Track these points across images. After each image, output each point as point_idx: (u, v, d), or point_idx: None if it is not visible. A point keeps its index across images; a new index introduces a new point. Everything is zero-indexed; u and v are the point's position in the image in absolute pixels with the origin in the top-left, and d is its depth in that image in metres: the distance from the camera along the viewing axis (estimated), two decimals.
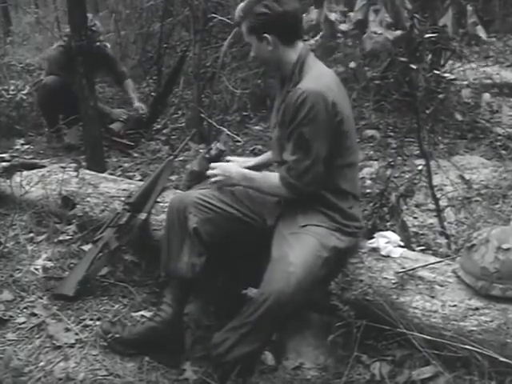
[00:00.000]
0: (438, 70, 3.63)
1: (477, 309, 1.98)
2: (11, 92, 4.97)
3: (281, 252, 2.04)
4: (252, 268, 2.24)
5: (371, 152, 4.02)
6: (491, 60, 6.57)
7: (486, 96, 3.83)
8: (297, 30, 2.17)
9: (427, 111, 3.02)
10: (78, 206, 2.97)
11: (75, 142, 4.54)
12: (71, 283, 2.48)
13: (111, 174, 3.48)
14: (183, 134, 4.45)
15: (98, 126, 3.76)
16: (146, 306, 2.47)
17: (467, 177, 3.62)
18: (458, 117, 3.94)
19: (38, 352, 2.19)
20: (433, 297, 2.06)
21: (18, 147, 3.75)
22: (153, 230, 2.68)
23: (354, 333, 2.09)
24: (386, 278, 2.16)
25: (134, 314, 2.41)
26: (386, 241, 2.27)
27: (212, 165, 2.32)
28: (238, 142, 4.24)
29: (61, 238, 2.88)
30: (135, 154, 4.48)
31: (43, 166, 3.39)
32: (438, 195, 2.97)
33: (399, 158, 3.24)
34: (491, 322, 1.94)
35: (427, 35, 2.62)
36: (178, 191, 2.76)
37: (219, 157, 2.53)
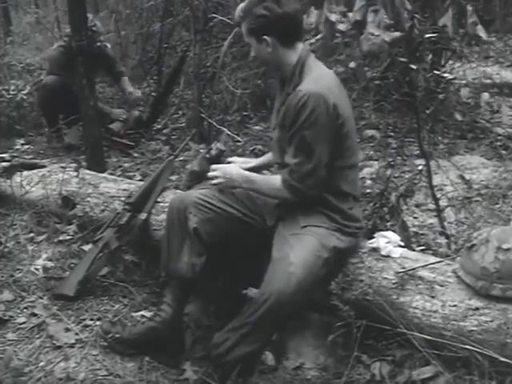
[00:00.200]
0: (438, 70, 3.63)
1: (477, 309, 1.98)
2: (11, 92, 4.97)
3: (281, 252, 2.04)
4: (252, 268, 2.24)
5: (371, 152, 4.02)
6: (491, 60, 6.57)
7: (485, 96, 3.83)
8: (297, 31, 2.16)
9: (427, 111, 3.03)
10: (78, 205, 2.97)
11: (75, 142, 4.54)
12: (71, 283, 2.48)
13: (111, 174, 3.48)
14: (183, 134, 4.45)
15: (98, 125, 3.76)
16: (146, 306, 2.47)
17: (467, 177, 3.63)
18: (458, 117, 3.94)
19: (38, 352, 2.19)
20: (433, 297, 2.06)
21: (18, 147, 3.75)
22: (153, 230, 2.68)
23: (354, 333, 2.09)
24: (386, 278, 2.16)
25: (134, 314, 2.41)
26: (386, 241, 2.27)
27: (213, 166, 2.31)
28: (238, 142, 4.23)
29: (61, 238, 2.88)
30: (135, 154, 4.48)
31: (43, 166, 3.39)
32: (438, 195, 2.97)
33: (399, 158, 3.24)
34: (491, 322, 1.94)
35: (427, 35, 2.62)
36: (178, 191, 2.76)
37: (219, 157, 2.53)
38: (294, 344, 2.26)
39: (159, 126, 4.93)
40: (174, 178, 3.44)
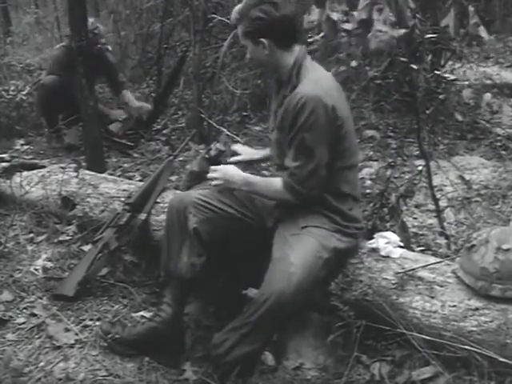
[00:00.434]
0: (439, 71, 3.63)
1: (476, 309, 1.98)
2: (11, 92, 4.96)
3: (281, 253, 2.04)
4: (252, 268, 2.24)
5: (371, 152, 4.02)
6: (491, 60, 6.57)
7: (487, 96, 3.82)
8: (294, 34, 2.14)
9: (427, 111, 3.02)
10: (77, 206, 2.97)
11: (75, 142, 4.54)
12: (71, 283, 2.48)
13: (111, 175, 3.48)
14: (183, 135, 4.45)
15: (98, 126, 3.76)
16: (146, 306, 2.47)
17: (467, 177, 3.62)
18: (458, 117, 3.94)
19: (37, 352, 2.19)
20: (432, 297, 2.06)
21: (17, 147, 3.75)
22: (153, 230, 2.68)
23: (353, 333, 2.09)
24: (385, 279, 2.16)
25: (133, 315, 2.41)
26: (386, 241, 2.27)
27: (212, 168, 2.29)
28: (238, 142, 4.23)
29: (61, 238, 2.88)
30: (135, 155, 4.48)
31: (43, 167, 3.39)
32: (438, 196, 2.97)
33: (399, 158, 3.25)
34: (491, 322, 1.94)
35: (428, 35, 2.61)
36: (177, 191, 2.76)
37: (219, 157, 2.53)
38: (293, 344, 2.26)
39: (159, 127, 4.93)
40: (173, 178, 3.44)
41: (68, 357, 2.16)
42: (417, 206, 3.41)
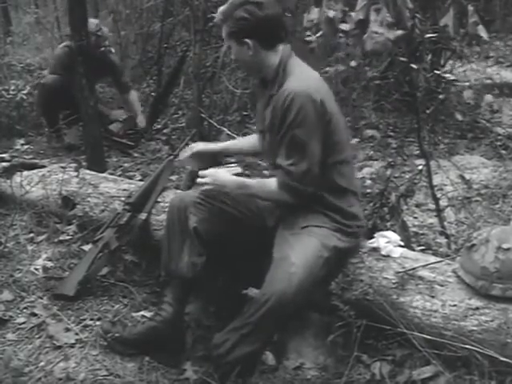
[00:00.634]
0: (438, 70, 3.64)
1: (477, 308, 1.98)
2: (11, 92, 4.96)
3: (282, 253, 2.04)
4: (253, 268, 2.24)
5: (371, 152, 4.02)
6: (491, 60, 6.57)
7: (488, 97, 3.83)
8: (278, 34, 2.13)
9: (427, 111, 3.03)
10: (78, 206, 2.97)
11: (75, 141, 4.54)
12: (71, 283, 2.48)
13: (111, 174, 3.48)
14: (183, 134, 4.45)
15: (98, 125, 3.77)
16: (147, 305, 2.47)
17: (467, 177, 3.62)
18: (459, 117, 3.94)
19: (38, 352, 2.18)
20: (433, 296, 2.06)
21: (18, 147, 3.74)
22: (153, 229, 2.68)
23: (354, 333, 2.09)
24: (386, 278, 2.16)
25: (134, 314, 2.41)
26: (386, 240, 2.27)
27: (202, 173, 2.24)
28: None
29: (61, 238, 2.88)
30: (135, 154, 4.48)
31: (43, 166, 3.39)
32: (438, 195, 2.97)
33: (399, 157, 3.25)
34: (491, 321, 1.94)
35: (428, 35, 2.61)
36: (178, 191, 2.76)
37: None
38: (294, 344, 2.26)
39: (159, 126, 4.93)
40: (174, 177, 3.44)
41: (68, 356, 2.16)
42: (417, 206, 3.41)
